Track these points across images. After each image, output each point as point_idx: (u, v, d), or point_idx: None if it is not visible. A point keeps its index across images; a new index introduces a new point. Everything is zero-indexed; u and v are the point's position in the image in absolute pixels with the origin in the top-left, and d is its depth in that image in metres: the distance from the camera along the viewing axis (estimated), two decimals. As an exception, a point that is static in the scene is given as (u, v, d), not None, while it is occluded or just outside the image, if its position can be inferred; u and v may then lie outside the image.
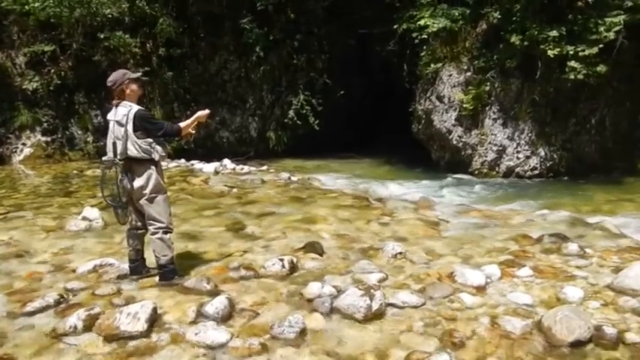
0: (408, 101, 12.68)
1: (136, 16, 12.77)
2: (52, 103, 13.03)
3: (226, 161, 11.67)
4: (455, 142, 11.29)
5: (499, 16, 10.39)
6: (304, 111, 13.58)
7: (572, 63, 9.27)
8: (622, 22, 9.06)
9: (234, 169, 11.21)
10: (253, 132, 14.02)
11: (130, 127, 4.06)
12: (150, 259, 4.56)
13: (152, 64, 12.96)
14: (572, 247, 5.44)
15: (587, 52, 9.16)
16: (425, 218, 6.99)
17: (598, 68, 9.23)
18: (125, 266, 4.66)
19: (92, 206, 6.89)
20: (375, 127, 15.65)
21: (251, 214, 7.01)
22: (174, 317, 3.74)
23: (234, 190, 8.85)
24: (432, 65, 11.40)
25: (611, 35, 9.11)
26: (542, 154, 10.65)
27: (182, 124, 4.39)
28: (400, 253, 5.18)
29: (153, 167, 4.23)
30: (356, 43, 13.98)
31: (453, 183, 10.39)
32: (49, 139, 13.14)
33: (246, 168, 11.31)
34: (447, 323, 3.70)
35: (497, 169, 10.94)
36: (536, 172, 10.73)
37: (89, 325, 3.58)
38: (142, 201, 4.23)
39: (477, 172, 11.07)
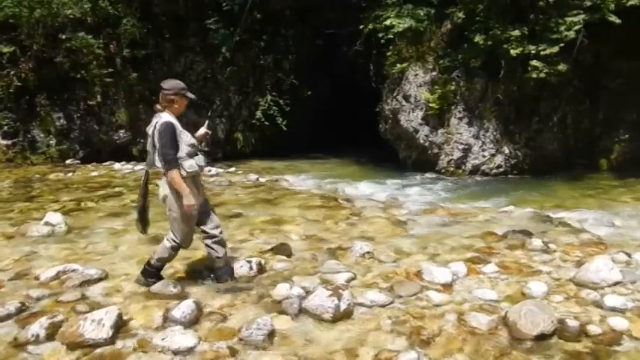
0: (376, 101, 12.77)
1: (98, 17, 12.52)
2: (13, 106, 12.65)
3: (193, 163, 11.53)
4: (422, 142, 11.41)
5: (463, 17, 10.57)
6: (272, 112, 13.57)
7: (534, 62, 9.47)
8: (582, 21, 9.28)
9: (200, 171, 11.07)
10: (221, 133, 13.90)
11: (156, 137, 3.97)
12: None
13: (116, 66, 12.73)
14: (536, 242, 5.56)
15: (548, 52, 9.36)
16: (392, 217, 7.04)
17: (559, 67, 9.44)
18: (89, 272, 4.56)
19: (55, 211, 6.74)
20: (343, 127, 15.71)
21: (219, 216, 6.92)
22: (141, 323, 3.67)
23: (201, 192, 8.74)
24: (398, 65, 11.51)
25: (572, 34, 9.33)
26: (507, 152, 10.85)
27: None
28: (368, 252, 5.21)
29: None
30: (323, 43, 14.01)
31: (421, 182, 10.49)
32: (9, 142, 12.76)
33: (213, 170, 11.20)
34: (414, 321, 3.72)
35: (463, 167, 11.10)
36: (501, 169, 10.93)
37: (52, 334, 3.48)
38: (166, 211, 4.18)
39: (443, 170, 11.21)
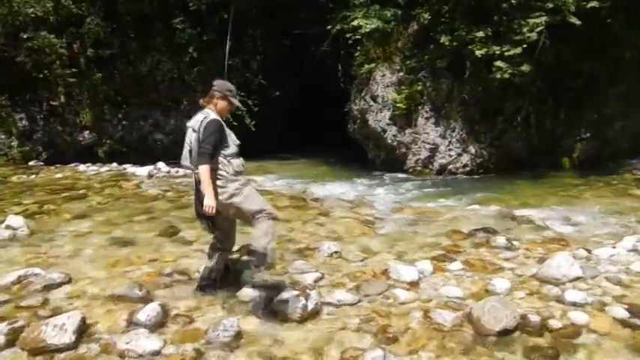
0: (344, 101, 12.82)
1: (61, 16, 12.26)
2: (-28, 107, 12.33)
3: (161, 164, 11.37)
4: (389, 141, 11.49)
5: (429, 18, 10.68)
6: (240, 112, 13.46)
7: (498, 63, 9.63)
8: (543, 22, 9.48)
9: (169, 172, 10.93)
10: (188, 134, 13.77)
11: (201, 132, 3.80)
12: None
13: (80, 65, 12.50)
14: (501, 240, 5.68)
15: (511, 52, 9.53)
16: (361, 217, 7.09)
17: (522, 68, 9.62)
18: (52, 275, 4.47)
19: (16, 214, 6.58)
20: (312, 128, 15.70)
21: (186, 218, 6.85)
22: (105, 327, 3.62)
23: (169, 193, 8.66)
24: (366, 65, 11.56)
25: (534, 36, 9.51)
26: (473, 151, 11.02)
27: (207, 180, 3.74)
28: (336, 252, 5.24)
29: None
30: (291, 43, 13.99)
31: (389, 181, 10.57)
32: (-31, 144, 12.43)
33: (181, 171, 11.06)
34: (381, 319, 3.77)
35: (430, 166, 11.22)
36: (468, 169, 11.09)
37: (12, 340, 3.41)
38: (226, 203, 3.86)
39: (411, 170, 11.31)
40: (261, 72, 13.81)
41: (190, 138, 3.88)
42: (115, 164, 11.92)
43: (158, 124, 13.57)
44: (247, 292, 4.09)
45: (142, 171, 10.77)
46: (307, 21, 12.57)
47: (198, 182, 3.84)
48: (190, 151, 3.88)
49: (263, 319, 3.74)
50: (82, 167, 11.63)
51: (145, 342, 3.35)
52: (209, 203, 3.69)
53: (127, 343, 3.35)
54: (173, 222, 6.64)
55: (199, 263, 4.81)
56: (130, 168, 11.38)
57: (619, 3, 9.78)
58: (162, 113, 13.58)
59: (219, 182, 3.81)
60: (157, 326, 3.61)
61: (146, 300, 3.98)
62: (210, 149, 3.75)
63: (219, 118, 3.90)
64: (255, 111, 13.47)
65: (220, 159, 3.84)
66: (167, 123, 13.59)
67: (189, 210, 7.35)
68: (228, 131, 3.95)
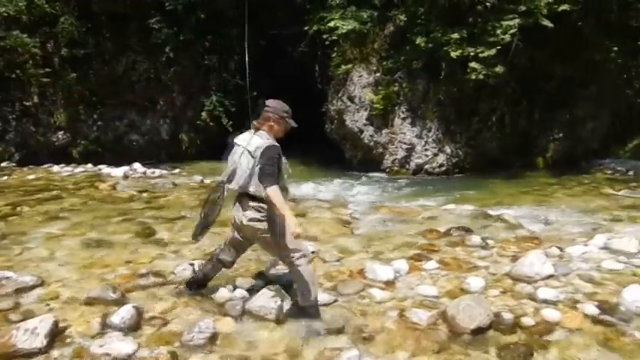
0: (322, 102, 12.83)
1: (34, 15, 12.03)
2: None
3: (136, 165, 11.26)
4: (366, 142, 11.56)
5: (405, 19, 10.77)
6: (217, 112, 13.42)
7: (473, 64, 9.77)
8: (517, 25, 9.64)
9: (144, 172, 10.83)
10: (165, 134, 13.63)
11: (260, 158, 3.58)
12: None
13: (54, 65, 12.27)
14: (475, 239, 5.75)
15: (486, 54, 9.68)
16: (338, 217, 7.11)
17: (496, 69, 9.77)
18: (23, 278, 4.39)
19: (-13, 217, 6.45)
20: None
21: (162, 218, 6.81)
22: (78, 330, 3.56)
23: (144, 194, 8.56)
24: (343, 66, 11.62)
25: (507, 38, 9.68)
26: (449, 151, 11.14)
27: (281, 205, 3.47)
28: (313, 252, 5.22)
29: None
30: (268, 44, 13.94)
31: (366, 181, 10.64)
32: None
33: (157, 171, 10.98)
34: (357, 319, 3.78)
35: (407, 166, 11.32)
36: (444, 168, 11.21)
37: (-18, 345, 3.34)
38: (258, 235, 3.77)
39: (388, 170, 11.40)
40: (238, 72, 13.76)
41: (241, 159, 3.66)
42: (89, 165, 11.74)
43: (134, 125, 13.42)
44: (223, 294, 4.06)
45: (118, 172, 10.64)
46: (285, 21, 12.57)
47: (239, 202, 3.73)
48: (235, 170, 3.69)
49: (239, 320, 3.73)
50: (55, 168, 11.44)
51: (119, 345, 3.31)
52: (295, 229, 3.44)
53: (101, 346, 3.31)
54: (149, 223, 6.57)
55: (175, 264, 4.78)
56: (105, 169, 11.22)
57: (589, 6, 9.99)
58: (138, 113, 13.43)
59: (261, 212, 3.67)
60: (131, 329, 3.56)
61: (120, 302, 3.92)
62: (275, 170, 3.56)
63: (277, 145, 3.69)
64: (232, 111, 13.44)
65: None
66: (143, 123, 13.46)
67: (165, 211, 7.37)
68: (284, 159, 3.74)
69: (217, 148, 13.20)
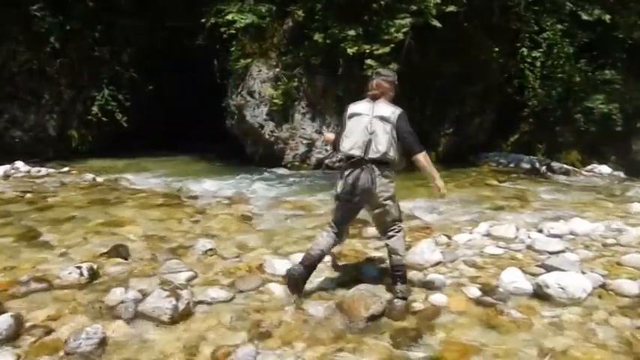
0: (222, 96, 12.65)
1: None
2: None
3: (19, 164, 10.41)
4: (267, 137, 11.56)
5: (303, 15, 10.86)
6: (110, 107, 12.79)
7: (369, 61, 10.07)
8: (409, 24, 10.05)
9: (29, 172, 10.05)
10: (52, 130, 12.69)
11: (396, 125, 3.78)
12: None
13: None
14: (371, 230, 5.89)
15: (381, 51, 10.02)
16: (238, 213, 7.06)
17: (391, 66, 10.09)
18: None
19: None
20: (190, 123, 15.31)
21: (47, 220, 6.37)
22: (-52, 344, 3.27)
23: (29, 195, 7.97)
24: (242, 60, 11.53)
25: (401, 36, 10.07)
26: (348, 146, 11.37)
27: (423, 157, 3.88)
28: (211, 249, 5.17)
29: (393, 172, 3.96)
30: (167, 36, 13.49)
31: (267, 177, 10.63)
32: None
33: (43, 170, 10.26)
34: (255, 314, 3.77)
35: (308, 161, 11.46)
36: (343, 163, 11.42)
37: None
38: (381, 202, 3.96)
39: (289, 165, 11.47)
40: (133, 65, 13.21)
41: (373, 127, 3.81)
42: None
43: (16, 120, 12.36)
44: (114, 296, 3.88)
45: (-2, 171, 9.85)
46: (183, 13, 12.24)
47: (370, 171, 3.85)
48: (369, 142, 3.81)
49: (131, 323, 3.58)
50: None
51: (-4, 357, 3.08)
52: (442, 185, 3.91)
53: (-24, 359, 3.06)
54: (33, 225, 6.12)
55: (61, 267, 4.50)
56: (-18, 169, 10.33)
57: (475, 9, 10.62)
58: (20, 108, 12.40)
59: (389, 178, 3.92)
60: (9, 340, 3.28)
61: (-4, 312, 3.64)
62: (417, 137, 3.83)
63: None
64: (127, 106, 12.88)
65: (399, 151, 3.87)
66: (26, 119, 12.41)
67: (52, 211, 6.92)
68: None
69: (113, 145, 12.69)
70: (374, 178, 3.86)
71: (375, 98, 3.94)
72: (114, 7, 12.67)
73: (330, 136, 4.54)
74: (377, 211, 4.10)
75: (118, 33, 13.06)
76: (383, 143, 3.81)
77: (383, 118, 3.82)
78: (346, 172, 3.98)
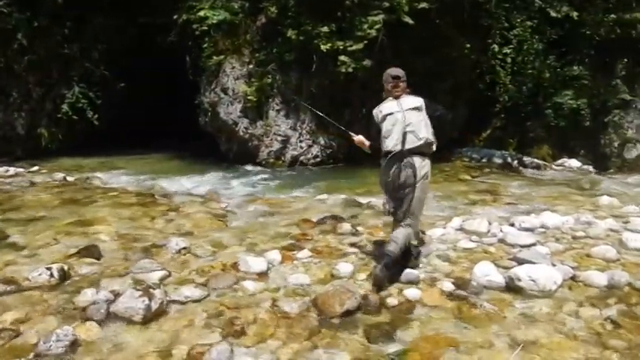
0: (195, 93, 12.53)
1: None
2: None
3: (-14, 163, 10.22)
4: (242, 134, 11.49)
5: (276, 11, 10.80)
6: (81, 105, 12.56)
7: (342, 57, 10.09)
8: (381, 21, 10.09)
9: (-5, 172, 9.86)
10: (20, 129, 12.39)
11: (425, 115, 4.28)
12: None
13: None
14: (346, 226, 5.96)
15: (354, 48, 10.05)
16: (212, 211, 7.01)
17: (364, 62, 10.16)
18: None
19: None
20: (163, 121, 15.11)
21: (15, 220, 6.24)
22: None
23: (-4, 195, 7.82)
24: (215, 57, 11.42)
25: (373, 32, 10.10)
26: (322, 142, 11.41)
27: None
28: (185, 248, 5.13)
29: None
30: (140, 33, 13.27)
31: (242, 174, 10.57)
32: None
33: (11, 170, 10.04)
34: (229, 312, 3.76)
35: (283, 158, 11.43)
36: (318, 159, 11.46)
37: None
38: (419, 185, 4.28)
39: (264, 162, 11.42)
40: (104, 62, 12.99)
41: (408, 119, 4.25)
42: None
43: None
44: (85, 297, 3.83)
45: (-39, 172, 9.60)
46: (155, 9, 12.07)
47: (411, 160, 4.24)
48: (406, 133, 4.21)
49: (103, 324, 3.53)
50: None
51: (-37, 362, 3.01)
52: None
53: (-59, 365, 2.99)
54: (1, 227, 5.96)
55: (30, 269, 4.40)
56: (-54, 169, 10.06)
57: (447, 5, 10.71)
58: (-13, 107, 12.15)
59: (427, 158, 4.35)
60: (-24, 344, 3.24)
61: (-39, 316, 3.55)
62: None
63: None
64: (98, 104, 12.67)
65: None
66: (-7, 117, 12.19)
67: (21, 212, 6.78)
68: None
69: (84, 144, 12.46)
70: (417, 159, 4.26)
71: (397, 97, 4.41)
72: (84, 4, 12.41)
73: (365, 141, 4.77)
74: (416, 191, 4.33)
75: (89, 30, 12.83)
76: (421, 130, 4.27)
77: (416, 108, 4.33)
78: (391, 165, 4.30)
